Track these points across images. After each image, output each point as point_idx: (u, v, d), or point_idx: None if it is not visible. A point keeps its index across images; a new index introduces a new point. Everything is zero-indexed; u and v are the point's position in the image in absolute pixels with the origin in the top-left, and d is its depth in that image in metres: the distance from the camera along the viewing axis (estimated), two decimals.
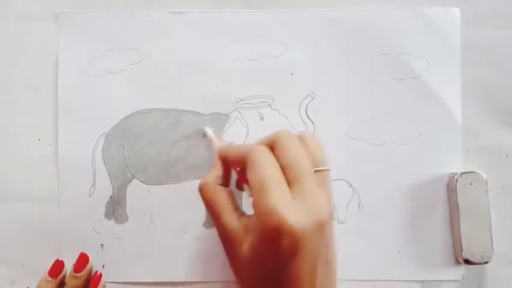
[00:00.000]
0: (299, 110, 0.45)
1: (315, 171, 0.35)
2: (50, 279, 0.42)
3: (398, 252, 0.45)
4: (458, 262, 0.44)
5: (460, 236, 0.43)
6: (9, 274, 0.45)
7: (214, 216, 0.37)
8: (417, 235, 0.45)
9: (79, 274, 0.42)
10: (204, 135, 0.45)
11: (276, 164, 0.34)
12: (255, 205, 0.33)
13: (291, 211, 0.31)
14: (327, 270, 0.35)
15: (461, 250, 0.43)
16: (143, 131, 0.45)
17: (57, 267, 0.43)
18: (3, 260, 0.45)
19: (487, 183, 0.43)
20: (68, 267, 0.43)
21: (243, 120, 0.45)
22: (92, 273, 0.44)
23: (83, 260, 0.43)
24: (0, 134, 0.45)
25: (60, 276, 0.43)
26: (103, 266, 0.45)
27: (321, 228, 0.32)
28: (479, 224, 0.43)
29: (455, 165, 0.45)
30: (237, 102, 0.45)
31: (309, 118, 0.45)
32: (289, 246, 0.31)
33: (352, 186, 0.45)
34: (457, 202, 0.43)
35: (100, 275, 0.44)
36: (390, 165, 0.45)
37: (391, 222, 0.45)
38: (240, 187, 0.41)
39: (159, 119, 0.45)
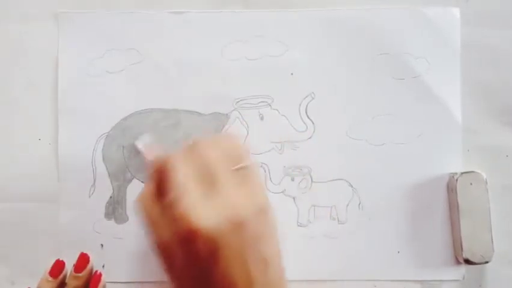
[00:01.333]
0: (299, 110, 0.45)
1: (235, 169, 0.34)
2: (50, 279, 0.42)
3: (398, 252, 0.45)
4: (458, 262, 0.44)
5: (460, 236, 0.43)
6: (9, 274, 0.45)
7: (148, 230, 0.35)
8: (417, 235, 0.45)
9: (79, 274, 0.42)
10: (137, 148, 0.44)
11: (187, 170, 0.33)
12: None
13: (202, 213, 0.31)
14: (267, 269, 0.33)
15: (462, 250, 0.43)
16: (144, 131, 0.45)
17: (58, 267, 0.43)
18: (3, 260, 0.45)
19: (487, 183, 0.43)
20: (69, 267, 0.43)
21: (243, 120, 0.45)
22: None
23: (83, 260, 0.43)
24: (0, 133, 0.46)
25: (61, 276, 0.42)
26: (103, 266, 0.45)
27: (239, 226, 0.31)
28: (480, 224, 0.43)
29: (455, 165, 0.45)
30: (237, 102, 0.45)
31: (309, 118, 0.45)
32: (207, 249, 0.31)
33: (352, 186, 0.45)
34: (457, 202, 0.43)
35: (100, 274, 0.44)
36: (390, 165, 0.45)
37: (391, 222, 0.45)
38: None
39: (159, 119, 0.45)
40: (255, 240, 0.33)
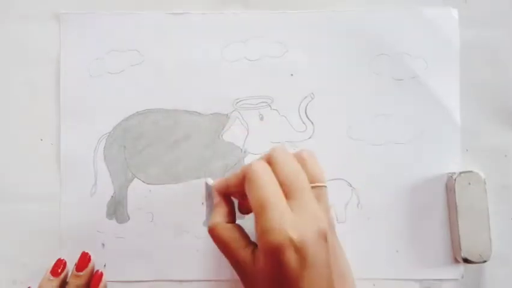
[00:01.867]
0: (299, 110, 0.46)
1: (312, 187, 0.35)
2: (52, 278, 0.42)
3: (397, 251, 0.45)
4: (456, 261, 0.45)
5: (458, 236, 0.43)
6: (10, 274, 0.45)
7: (228, 255, 0.37)
8: (416, 234, 0.45)
9: (81, 273, 0.43)
10: (207, 185, 0.45)
11: (274, 179, 0.34)
12: (256, 226, 0.33)
13: (291, 224, 0.32)
14: (344, 284, 0.35)
15: (460, 249, 0.43)
16: (144, 131, 0.46)
17: (59, 266, 0.43)
18: (4, 260, 0.45)
19: (485, 183, 0.43)
20: (70, 267, 0.44)
21: (243, 121, 0.46)
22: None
23: (85, 259, 0.44)
24: (2, 134, 0.46)
25: (62, 275, 0.43)
26: (105, 265, 0.45)
27: (323, 235, 0.33)
28: (478, 224, 0.43)
29: (454, 165, 0.45)
30: (237, 102, 0.46)
31: (308, 118, 0.46)
32: (296, 259, 0.31)
33: (351, 186, 0.45)
34: (456, 202, 0.43)
35: (101, 274, 0.44)
36: (389, 165, 0.45)
37: (390, 221, 0.45)
38: (242, 212, 0.41)
39: (159, 120, 0.46)
40: (333, 253, 0.34)
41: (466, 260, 0.43)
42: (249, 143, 0.46)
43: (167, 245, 0.45)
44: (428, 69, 0.45)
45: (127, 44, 0.46)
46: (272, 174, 0.35)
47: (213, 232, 0.37)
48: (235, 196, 0.40)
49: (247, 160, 0.45)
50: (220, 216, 0.38)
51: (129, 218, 0.45)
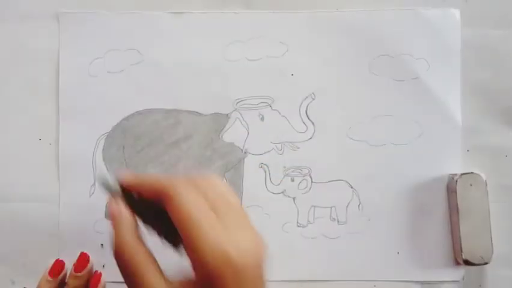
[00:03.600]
0: (299, 111, 0.45)
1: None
2: (50, 278, 0.42)
3: (398, 252, 0.45)
4: (457, 263, 0.44)
5: (459, 237, 0.43)
6: (9, 273, 0.45)
7: (136, 279, 0.32)
8: (417, 236, 0.45)
9: (79, 274, 0.43)
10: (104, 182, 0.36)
11: (195, 197, 0.30)
12: (190, 246, 0.30)
13: (229, 242, 0.29)
14: None
15: (461, 251, 0.43)
16: (144, 131, 0.45)
17: (58, 266, 0.43)
18: (3, 260, 0.45)
19: (486, 185, 0.43)
20: (69, 267, 0.43)
21: (243, 121, 0.45)
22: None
23: (83, 259, 0.43)
24: (0, 133, 0.46)
25: (61, 275, 0.43)
26: (103, 266, 0.45)
27: (263, 261, 0.30)
28: (479, 225, 0.43)
29: (455, 166, 0.45)
30: (237, 102, 0.45)
31: (309, 119, 0.45)
32: (235, 280, 0.29)
33: (352, 187, 0.45)
34: (457, 203, 0.43)
35: (100, 274, 0.44)
36: (390, 165, 0.45)
37: (391, 222, 0.45)
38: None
39: (159, 119, 0.45)
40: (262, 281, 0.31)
41: (467, 262, 0.43)
42: (250, 144, 0.45)
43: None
44: (430, 70, 0.45)
45: (127, 43, 0.46)
46: (195, 194, 0.31)
47: (120, 251, 0.32)
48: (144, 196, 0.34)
49: (248, 160, 0.45)
50: (129, 231, 0.32)
51: None
